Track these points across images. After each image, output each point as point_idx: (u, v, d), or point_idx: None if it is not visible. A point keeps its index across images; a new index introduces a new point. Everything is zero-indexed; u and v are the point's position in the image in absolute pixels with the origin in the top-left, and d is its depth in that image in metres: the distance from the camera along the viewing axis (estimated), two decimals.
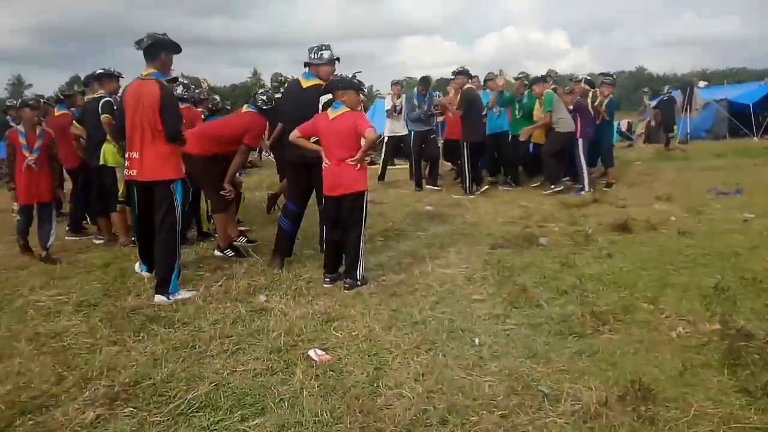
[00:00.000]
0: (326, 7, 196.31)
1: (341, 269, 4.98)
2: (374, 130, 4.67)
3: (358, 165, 4.71)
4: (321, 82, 5.14)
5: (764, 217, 6.55)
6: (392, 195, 9.75)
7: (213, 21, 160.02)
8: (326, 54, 5.19)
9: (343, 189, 4.77)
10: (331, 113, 4.74)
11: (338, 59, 5.27)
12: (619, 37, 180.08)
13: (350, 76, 5.07)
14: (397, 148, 11.21)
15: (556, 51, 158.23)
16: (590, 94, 9.26)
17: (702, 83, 21.36)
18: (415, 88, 10.54)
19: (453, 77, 9.94)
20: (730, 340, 3.40)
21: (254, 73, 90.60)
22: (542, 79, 9.36)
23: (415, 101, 10.27)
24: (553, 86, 9.32)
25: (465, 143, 9.16)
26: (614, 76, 10.26)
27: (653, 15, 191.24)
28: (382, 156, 11.27)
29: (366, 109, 19.86)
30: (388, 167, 11.39)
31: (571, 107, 8.98)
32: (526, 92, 9.63)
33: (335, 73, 5.21)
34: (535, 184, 9.56)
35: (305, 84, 5.24)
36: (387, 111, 11.13)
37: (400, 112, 10.71)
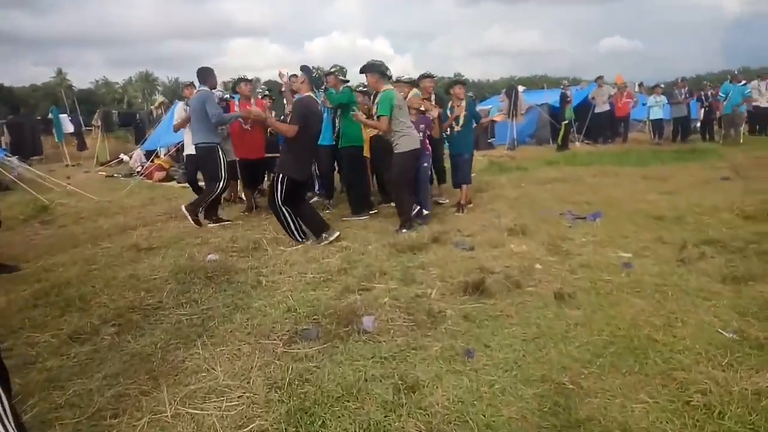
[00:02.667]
0: (145, 4, 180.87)
1: None
2: None
3: None
4: None
5: (643, 257, 5.09)
6: (172, 232, 7.13)
7: (10, 15, 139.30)
8: None
9: None
10: None
11: None
12: (437, 46, 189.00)
13: None
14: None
15: (381, 57, 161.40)
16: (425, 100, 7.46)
17: (521, 88, 21.20)
18: (203, 87, 7.18)
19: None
20: None
21: (59, 73, 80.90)
22: (377, 69, 6.62)
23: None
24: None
25: (283, 177, 6.13)
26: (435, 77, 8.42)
27: (466, 27, 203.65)
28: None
29: (166, 110, 15.86)
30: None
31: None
32: (341, 88, 7.58)
33: None
34: (363, 217, 7.54)
35: None
36: (177, 124, 8.44)
37: None
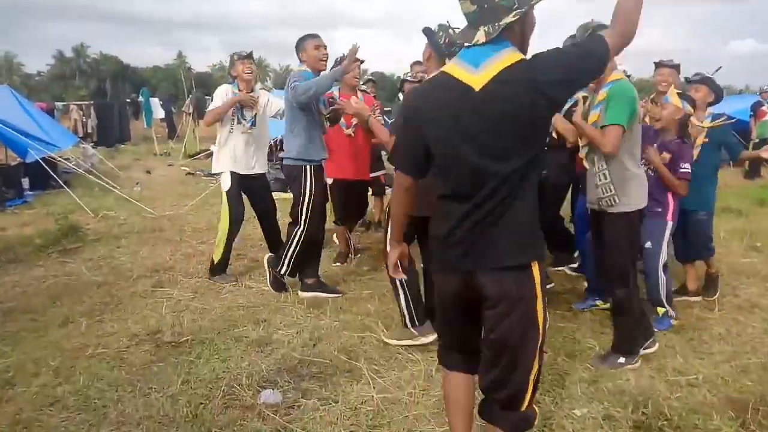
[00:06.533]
0: None
1: None
2: None
3: None
4: None
5: None
6: (226, 303, 4.54)
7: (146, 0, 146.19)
8: None
9: None
10: None
11: None
12: None
13: None
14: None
15: None
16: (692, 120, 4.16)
17: None
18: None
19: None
20: None
21: (179, 56, 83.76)
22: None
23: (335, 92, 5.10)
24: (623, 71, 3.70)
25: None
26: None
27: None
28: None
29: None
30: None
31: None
32: None
33: None
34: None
35: None
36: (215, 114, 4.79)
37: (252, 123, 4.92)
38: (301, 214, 4.42)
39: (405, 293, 3.70)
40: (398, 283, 3.67)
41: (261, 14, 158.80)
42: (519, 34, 1.88)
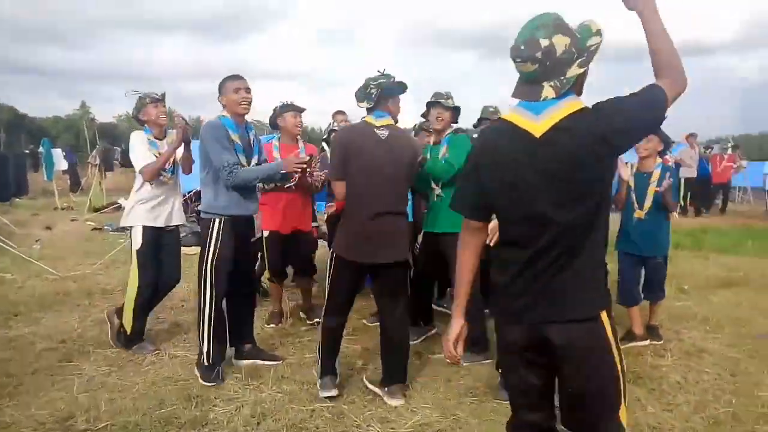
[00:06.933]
0: (171, 44, 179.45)
1: None
2: None
3: None
4: None
5: None
6: (150, 376, 3.98)
7: (46, 49, 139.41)
8: None
9: None
10: None
11: None
12: (457, 99, 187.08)
13: None
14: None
15: (404, 106, 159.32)
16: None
17: None
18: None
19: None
20: None
21: (82, 106, 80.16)
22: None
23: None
24: None
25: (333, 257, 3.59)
26: None
27: (484, 81, 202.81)
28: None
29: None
30: None
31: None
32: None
33: None
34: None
35: None
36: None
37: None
38: (205, 275, 3.82)
39: (323, 342, 3.62)
40: (324, 331, 3.60)
41: (170, 66, 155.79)
42: (579, 82, 1.88)
